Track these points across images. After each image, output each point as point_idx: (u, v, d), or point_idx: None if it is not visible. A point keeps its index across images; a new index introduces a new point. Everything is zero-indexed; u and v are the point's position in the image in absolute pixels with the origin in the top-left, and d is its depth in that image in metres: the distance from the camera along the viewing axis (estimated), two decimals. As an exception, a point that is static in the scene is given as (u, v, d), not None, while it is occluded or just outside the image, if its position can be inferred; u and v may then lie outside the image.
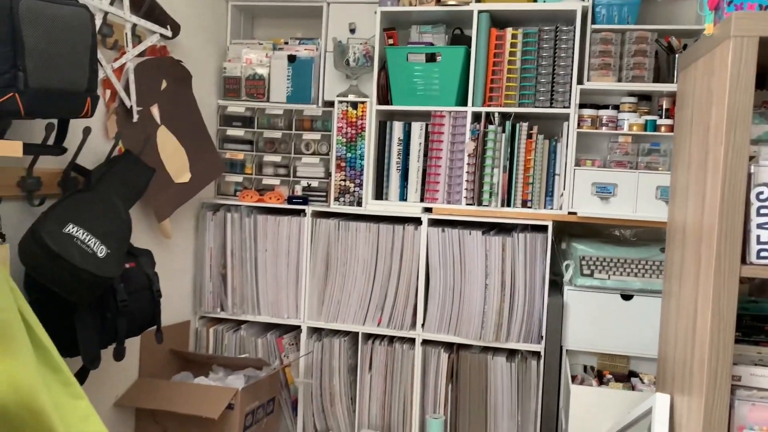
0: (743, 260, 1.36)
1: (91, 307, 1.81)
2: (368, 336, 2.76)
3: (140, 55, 2.28)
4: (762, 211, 1.35)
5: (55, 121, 1.80)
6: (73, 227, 1.70)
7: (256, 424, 2.52)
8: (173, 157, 2.47)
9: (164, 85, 2.41)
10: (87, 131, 1.94)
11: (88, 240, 1.71)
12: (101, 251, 1.73)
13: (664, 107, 2.61)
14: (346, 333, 2.81)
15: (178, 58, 2.53)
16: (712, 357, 1.36)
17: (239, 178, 2.90)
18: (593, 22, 2.57)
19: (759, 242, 1.35)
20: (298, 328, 2.83)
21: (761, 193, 1.35)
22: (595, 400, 2.19)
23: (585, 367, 2.57)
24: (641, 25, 2.56)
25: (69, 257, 1.64)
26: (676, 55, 2.51)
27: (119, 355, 1.91)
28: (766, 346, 1.53)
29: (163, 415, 2.39)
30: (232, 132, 2.90)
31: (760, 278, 1.60)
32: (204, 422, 2.32)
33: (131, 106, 2.24)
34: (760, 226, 1.35)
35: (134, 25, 2.23)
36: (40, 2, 1.51)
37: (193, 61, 2.67)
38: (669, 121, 2.53)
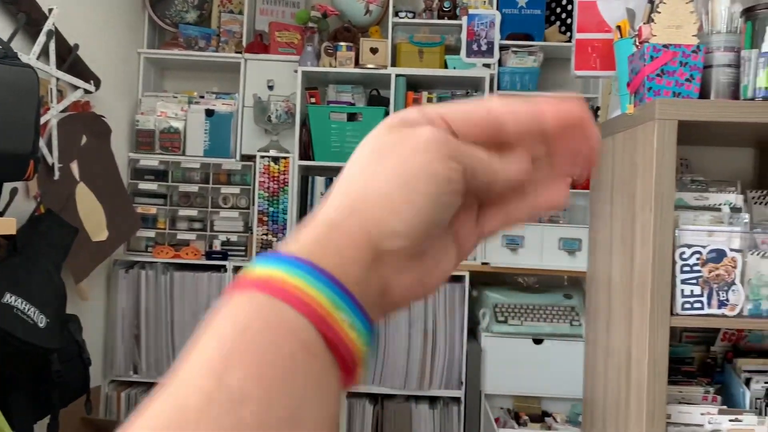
0: (671, 312, 1.55)
1: (23, 379, 1.69)
2: (292, 391, 2.74)
3: (63, 110, 2.19)
4: (684, 268, 1.56)
5: (-15, 184, 1.70)
6: (10, 296, 1.60)
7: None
8: (91, 214, 2.37)
9: (84, 140, 2.32)
10: (14, 192, 1.84)
11: (28, 310, 1.61)
12: (41, 321, 1.64)
13: (561, 166, 2.89)
14: (269, 389, 2.77)
15: (98, 113, 2.44)
16: (649, 400, 1.54)
17: (151, 233, 2.81)
18: (498, 88, 2.80)
19: (683, 296, 1.56)
20: (217, 386, 2.76)
21: (683, 253, 1.56)
22: (521, 441, 2.34)
23: (501, 409, 2.73)
24: (539, 92, 2.83)
25: (12, 330, 1.53)
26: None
27: (54, 430, 1.78)
28: (685, 385, 1.73)
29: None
30: (144, 185, 2.81)
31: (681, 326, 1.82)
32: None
33: (53, 164, 2.13)
34: (683, 281, 1.56)
35: (57, 80, 2.15)
36: (-9, 64, 1.45)
37: (106, 114, 2.59)
38: (567, 179, 2.80)
